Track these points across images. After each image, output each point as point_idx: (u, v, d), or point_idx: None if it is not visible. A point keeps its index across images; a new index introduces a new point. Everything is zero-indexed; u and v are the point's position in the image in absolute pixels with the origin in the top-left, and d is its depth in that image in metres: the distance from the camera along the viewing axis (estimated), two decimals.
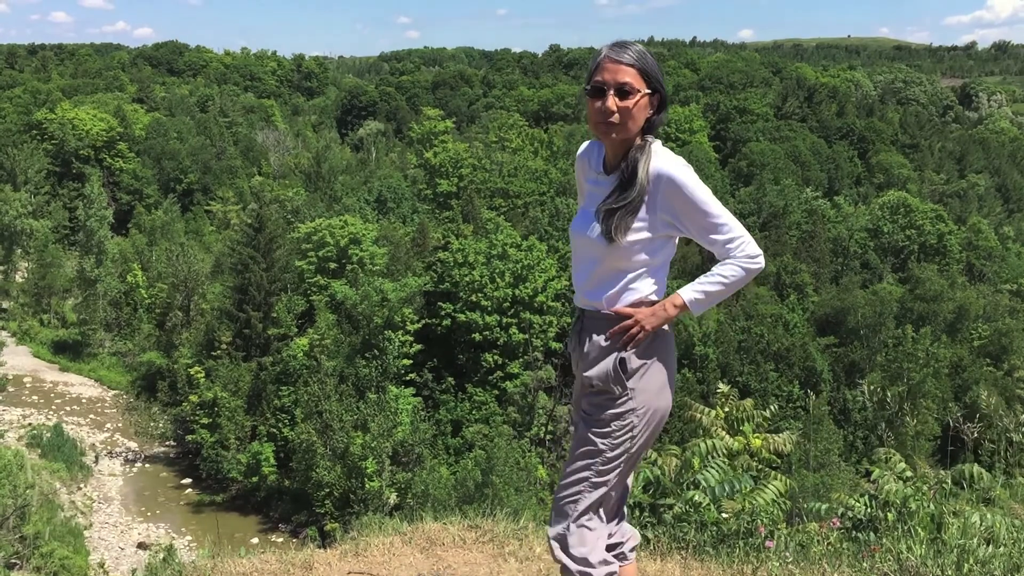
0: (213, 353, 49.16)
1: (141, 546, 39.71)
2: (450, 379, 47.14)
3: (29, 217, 74.10)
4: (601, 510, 3.60)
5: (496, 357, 46.80)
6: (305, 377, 44.50)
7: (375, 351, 45.46)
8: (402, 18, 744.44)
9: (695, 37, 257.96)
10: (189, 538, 40.76)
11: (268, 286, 50.53)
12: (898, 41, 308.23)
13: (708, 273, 3.62)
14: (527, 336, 47.18)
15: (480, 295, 47.46)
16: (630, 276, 3.57)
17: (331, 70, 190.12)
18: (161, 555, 31.56)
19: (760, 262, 3.60)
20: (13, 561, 30.27)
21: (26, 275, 72.75)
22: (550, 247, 53.09)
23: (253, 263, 50.57)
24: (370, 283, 47.67)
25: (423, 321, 47.97)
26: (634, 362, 3.56)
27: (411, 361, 46.67)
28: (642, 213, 3.50)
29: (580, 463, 3.57)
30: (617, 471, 3.58)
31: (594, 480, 3.55)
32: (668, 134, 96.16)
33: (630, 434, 3.56)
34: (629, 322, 3.55)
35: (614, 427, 3.55)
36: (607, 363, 3.56)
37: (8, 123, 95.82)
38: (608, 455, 3.55)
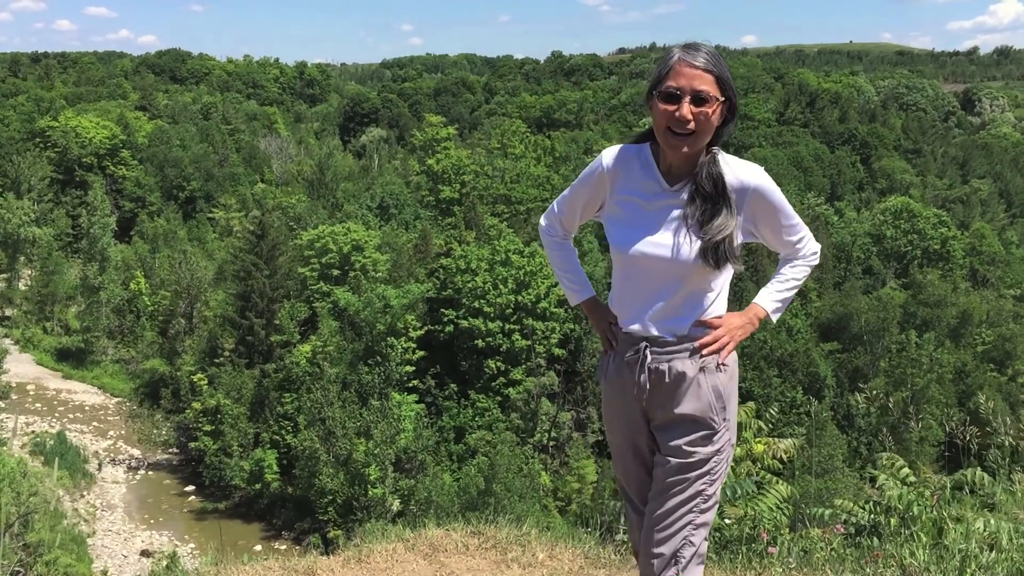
0: (216, 360, 49.19)
1: (144, 554, 39.69)
2: (453, 386, 47.14)
3: (32, 225, 74.23)
4: (703, 548, 3.43)
5: (499, 363, 46.80)
6: (308, 384, 44.50)
7: (378, 358, 45.48)
8: (405, 25, 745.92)
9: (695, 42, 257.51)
10: (192, 545, 40.73)
11: (271, 293, 50.58)
12: (900, 46, 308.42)
13: (780, 278, 3.55)
14: (530, 342, 47.17)
15: (483, 301, 47.47)
16: (711, 296, 3.37)
17: (333, 77, 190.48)
18: (164, 563, 31.55)
19: (819, 256, 3.60)
20: (17, 569, 30.26)
21: (29, 283, 72.80)
22: None
23: (256, 270, 50.63)
24: (373, 290, 47.70)
25: (426, 328, 47.99)
26: (728, 387, 3.39)
27: (414, 368, 46.67)
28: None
29: (678, 508, 3.35)
30: (716, 506, 3.44)
31: (697, 521, 3.36)
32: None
33: (725, 467, 3.43)
34: (719, 332, 3.35)
35: (713, 463, 3.37)
36: (705, 393, 3.35)
37: (12, 131, 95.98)
38: (708, 492, 3.37)
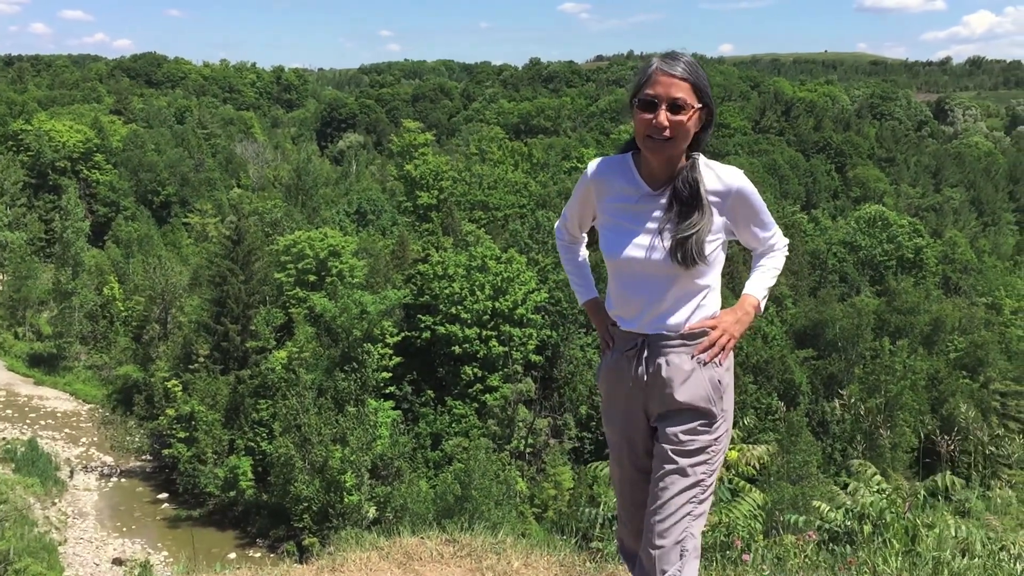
0: (190, 366, 48.82)
1: (116, 562, 39.26)
2: (430, 392, 47.02)
3: (5, 229, 73.46)
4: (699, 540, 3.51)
5: (476, 370, 46.73)
6: (283, 390, 44.24)
7: (354, 364, 45.29)
8: (384, 31, 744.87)
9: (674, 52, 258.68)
10: (165, 554, 40.35)
11: (246, 299, 50.26)
12: (875, 56, 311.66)
13: (761, 268, 3.68)
14: (507, 349, 47.15)
15: (460, 308, 47.42)
16: (704, 292, 3.48)
17: (311, 82, 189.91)
18: (137, 571, 31.25)
19: (787, 248, 3.77)
20: None
21: (1, 287, 71.99)
22: (530, 260, 53.14)
23: (231, 275, 50.31)
24: (349, 296, 47.53)
25: (402, 334, 47.86)
26: (725, 378, 3.50)
27: (390, 374, 46.51)
28: (714, 228, 3.45)
29: (677, 496, 3.41)
30: (712, 495, 3.51)
31: (696, 512, 3.44)
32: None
33: (721, 456, 3.51)
34: (716, 333, 3.47)
35: (711, 452, 3.46)
36: (703, 383, 3.45)
37: None
38: (707, 482, 3.46)
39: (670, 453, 3.45)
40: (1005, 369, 55.72)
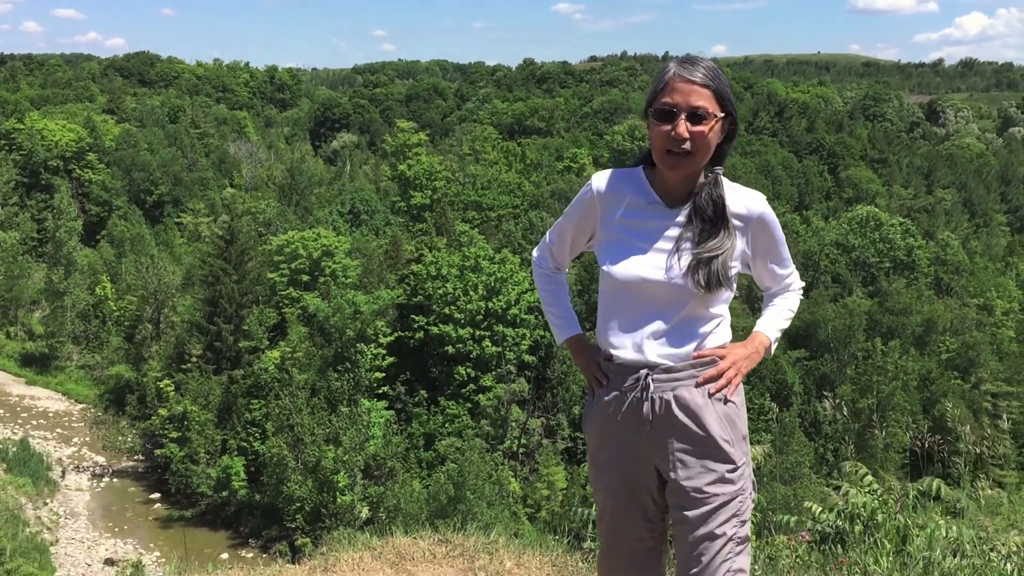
0: (183, 366, 48.70)
1: (108, 562, 39.15)
2: (423, 392, 47.01)
3: None
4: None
5: (469, 370, 46.74)
6: (276, 390, 44.18)
7: (347, 364, 45.25)
8: (378, 31, 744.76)
9: (667, 52, 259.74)
10: (157, 554, 40.24)
11: (239, 299, 50.17)
12: (867, 57, 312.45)
13: (775, 308, 3.40)
14: (500, 349, 47.17)
15: (453, 308, 47.42)
16: (717, 321, 3.19)
17: (304, 82, 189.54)
18: (129, 571, 31.20)
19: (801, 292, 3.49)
20: None
21: None
22: (523, 260, 53.16)
23: (224, 275, 50.22)
24: (342, 296, 47.50)
25: (396, 334, 47.85)
26: (740, 418, 3.20)
27: (383, 374, 46.50)
28: (735, 253, 3.15)
29: (713, 559, 3.10)
30: (748, 548, 3.22)
31: (735, 567, 3.13)
32: (642, 148, 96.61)
33: (751, 504, 3.21)
34: (725, 364, 3.15)
35: (738, 503, 3.13)
36: (718, 424, 3.12)
37: None
38: (741, 534, 3.15)
39: (693, 516, 3.12)
40: (996, 370, 55.97)
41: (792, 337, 57.86)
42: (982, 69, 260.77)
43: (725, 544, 3.11)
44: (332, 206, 74.15)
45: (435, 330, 47.20)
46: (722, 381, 3.13)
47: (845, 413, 46.58)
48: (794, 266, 3.40)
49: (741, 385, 3.22)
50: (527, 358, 48.09)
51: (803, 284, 3.44)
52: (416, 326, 47.85)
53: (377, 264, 56.08)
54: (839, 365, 54.95)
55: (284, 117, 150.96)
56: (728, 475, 3.12)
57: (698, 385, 3.12)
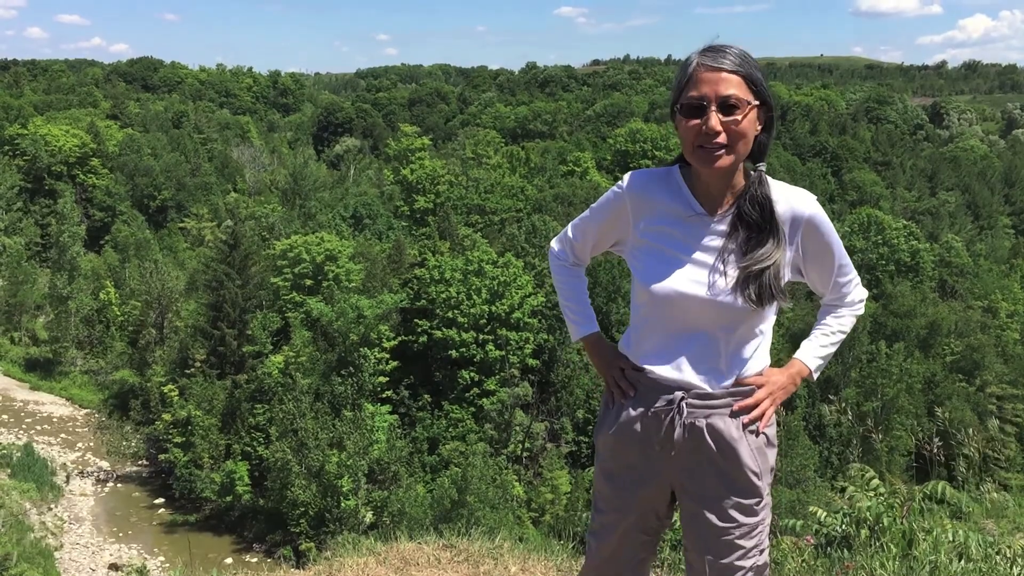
0: (187, 371, 48.73)
1: (113, 567, 39.16)
2: (426, 396, 47.00)
3: (1, 234, 73.32)
4: None
5: (473, 374, 46.72)
6: (280, 395, 44.19)
7: (351, 368, 45.25)
8: (381, 35, 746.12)
9: (670, 55, 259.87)
10: (162, 559, 40.24)
11: (243, 303, 50.21)
12: (871, 60, 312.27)
13: (824, 329, 3.14)
14: (504, 353, 47.13)
15: (456, 312, 47.42)
16: (756, 340, 2.96)
17: (307, 87, 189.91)
18: None
19: (864, 305, 3.19)
20: None
21: None
22: (527, 264, 53.15)
23: (228, 280, 50.26)
24: (346, 300, 47.49)
25: (399, 338, 47.84)
26: (771, 450, 3.02)
27: (387, 378, 46.50)
28: (786, 260, 2.90)
29: (737, 564, 2.98)
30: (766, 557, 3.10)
31: (759, 566, 3.02)
32: (645, 151, 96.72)
33: (766, 534, 3.07)
34: (762, 393, 2.95)
35: (758, 534, 3.00)
36: (750, 457, 2.95)
37: None
38: (760, 563, 3.02)
39: (716, 550, 2.98)
40: (1001, 372, 55.83)
41: (796, 339, 57.72)
42: (986, 71, 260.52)
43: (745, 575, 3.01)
44: (335, 210, 74.17)
45: (438, 334, 47.20)
46: (756, 412, 2.94)
47: (849, 416, 46.49)
48: (855, 274, 3.10)
49: (775, 415, 3.03)
50: (531, 362, 48.06)
51: (864, 295, 3.17)
52: (419, 330, 47.85)
53: (380, 268, 56.07)
54: (843, 368, 54.86)
55: (287, 122, 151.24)
56: (754, 507, 2.98)
57: (732, 414, 2.93)
